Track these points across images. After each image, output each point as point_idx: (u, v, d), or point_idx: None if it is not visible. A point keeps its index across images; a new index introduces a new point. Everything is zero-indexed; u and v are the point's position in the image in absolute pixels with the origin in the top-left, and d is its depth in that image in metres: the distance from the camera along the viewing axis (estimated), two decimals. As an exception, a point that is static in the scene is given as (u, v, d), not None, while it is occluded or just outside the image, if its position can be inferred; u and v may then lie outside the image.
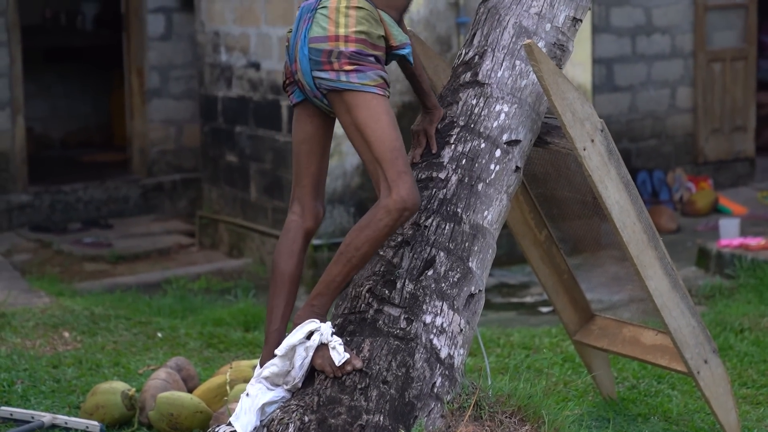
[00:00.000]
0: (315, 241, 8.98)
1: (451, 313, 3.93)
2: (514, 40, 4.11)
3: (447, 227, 3.96)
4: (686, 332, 4.38)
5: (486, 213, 4.04)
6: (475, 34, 4.20)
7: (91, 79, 13.67)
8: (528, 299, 8.64)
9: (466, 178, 4.00)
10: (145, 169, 11.52)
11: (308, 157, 4.02)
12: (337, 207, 8.92)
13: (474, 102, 4.08)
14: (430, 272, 3.93)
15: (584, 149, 4.05)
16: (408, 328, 3.87)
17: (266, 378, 3.87)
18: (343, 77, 3.78)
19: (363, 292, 3.94)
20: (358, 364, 3.80)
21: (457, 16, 9.23)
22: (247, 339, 6.65)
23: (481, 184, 4.03)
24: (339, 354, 3.78)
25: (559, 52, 4.19)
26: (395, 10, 3.92)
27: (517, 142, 4.10)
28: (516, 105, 4.10)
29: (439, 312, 3.92)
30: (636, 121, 11.36)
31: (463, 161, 4.02)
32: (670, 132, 11.55)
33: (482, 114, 4.07)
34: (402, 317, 3.88)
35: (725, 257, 8.72)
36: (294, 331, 3.84)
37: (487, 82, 4.10)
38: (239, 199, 9.96)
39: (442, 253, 3.95)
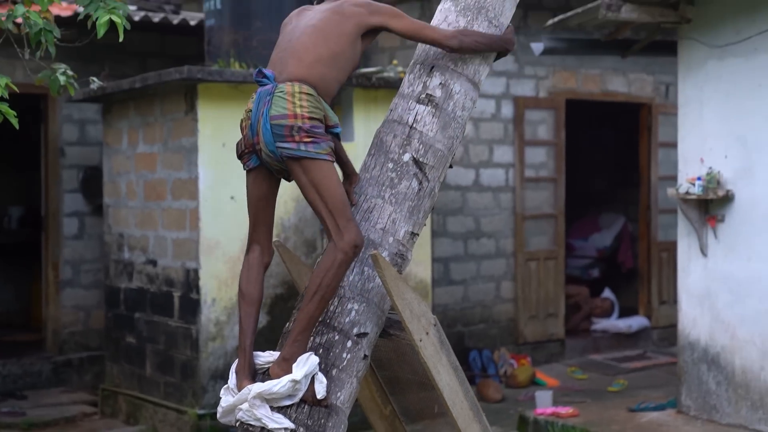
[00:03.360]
0: (200, 411, 8.82)
1: (310, 478, 3.88)
2: (363, 250, 4.15)
3: (305, 407, 3.93)
4: (506, 492, 4.39)
5: (339, 394, 4.03)
6: (331, 246, 4.23)
7: (14, 271, 13.45)
8: (379, 459, 8.53)
9: (322, 365, 4.00)
10: (57, 348, 11.26)
11: (264, 210, 4.17)
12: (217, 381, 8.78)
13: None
14: (292, 444, 3.89)
15: (420, 340, 4.07)
16: (273, 492, 3.81)
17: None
18: (303, 147, 3.94)
19: (235, 461, 3.89)
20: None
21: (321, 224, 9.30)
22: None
23: (335, 369, 4.03)
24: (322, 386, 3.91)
25: (400, 260, 4.25)
26: (328, 98, 4.11)
27: (365, 334, 4.11)
28: (364, 303, 4.13)
29: (299, 478, 3.86)
30: (468, 309, 11.48)
31: (320, 351, 4.03)
32: (496, 318, 11.68)
33: (336, 311, 4.09)
34: (268, 483, 3.82)
35: (541, 423, 8.78)
36: (298, 363, 3.89)
37: (341, 285, 4.13)
38: (136, 374, 9.77)
39: (301, 429, 3.91)
